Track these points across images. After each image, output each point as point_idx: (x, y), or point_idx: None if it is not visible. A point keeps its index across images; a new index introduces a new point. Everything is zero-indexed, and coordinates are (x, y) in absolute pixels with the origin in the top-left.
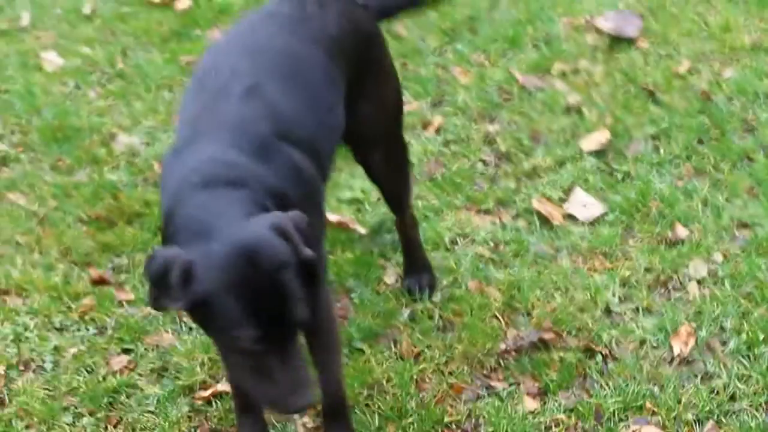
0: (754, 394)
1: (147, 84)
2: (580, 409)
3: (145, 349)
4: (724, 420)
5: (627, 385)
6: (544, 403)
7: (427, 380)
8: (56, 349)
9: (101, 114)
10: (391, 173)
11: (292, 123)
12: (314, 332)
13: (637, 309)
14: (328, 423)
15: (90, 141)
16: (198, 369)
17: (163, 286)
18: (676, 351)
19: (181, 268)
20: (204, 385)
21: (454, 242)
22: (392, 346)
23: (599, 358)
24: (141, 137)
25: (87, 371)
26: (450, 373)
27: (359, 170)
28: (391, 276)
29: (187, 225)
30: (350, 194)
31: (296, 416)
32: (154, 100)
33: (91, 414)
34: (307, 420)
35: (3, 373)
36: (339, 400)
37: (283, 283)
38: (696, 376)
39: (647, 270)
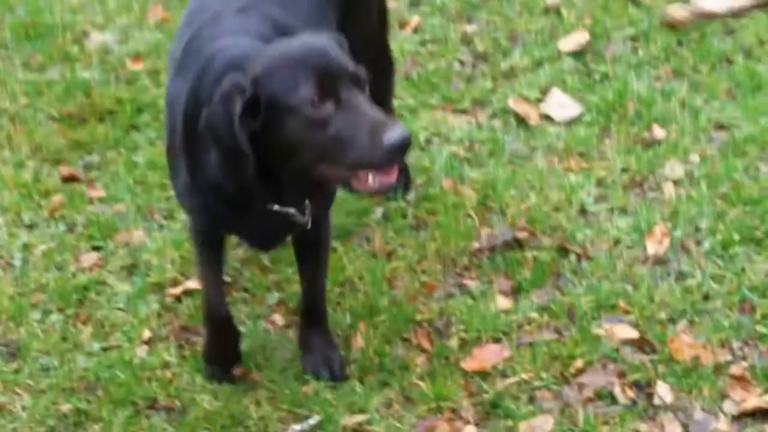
0: (728, 293)
1: None
2: (553, 307)
3: (116, 246)
4: (697, 319)
5: (600, 284)
6: (517, 301)
7: (399, 279)
8: (25, 246)
9: (74, 11)
10: (376, 82)
11: (289, 31)
12: (311, 242)
13: (612, 209)
14: (305, 327)
15: (63, 38)
16: (168, 266)
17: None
18: (651, 251)
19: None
20: (174, 283)
21: (429, 141)
22: (365, 244)
23: (573, 257)
24: (114, 35)
25: (56, 268)
26: (422, 272)
27: None
28: None
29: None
30: None
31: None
32: None
33: (60, 311)
34: (278, 317)
35: None
36: (320, 308)
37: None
38: (670, 275)
39: (623, 170)
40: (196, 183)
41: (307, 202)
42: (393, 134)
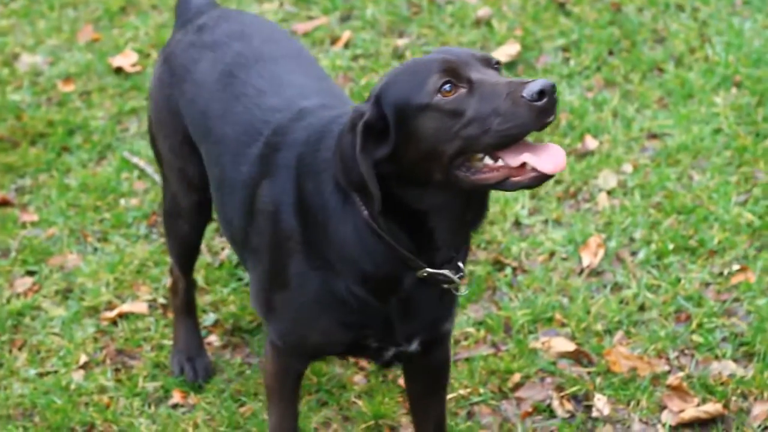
0: (664, 303)
1: (50, 2)
2: (490, 321)
3: (50, 270)
4: (633, 330)
5: (536, 297)
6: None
7: None
8: None
9: (4, 33)
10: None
11: None
12: (433, 363)
13: (547, 221)
14: None
15: None
16: (103, 289)
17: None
18: (586, 262)
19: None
20: (109, 306)
21: None
22: None
23: (509, 270)
24: (45, 56)
25: None
26: None
27: None
28: None
29: None
30: None
31: None
32: (58, 19)
33: None
34: (215, 338)
35: None
36: None
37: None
38: (605, 286)
39: (557, 182)
40: (322, 280)
41: (460, 264)
42: (534, 84)
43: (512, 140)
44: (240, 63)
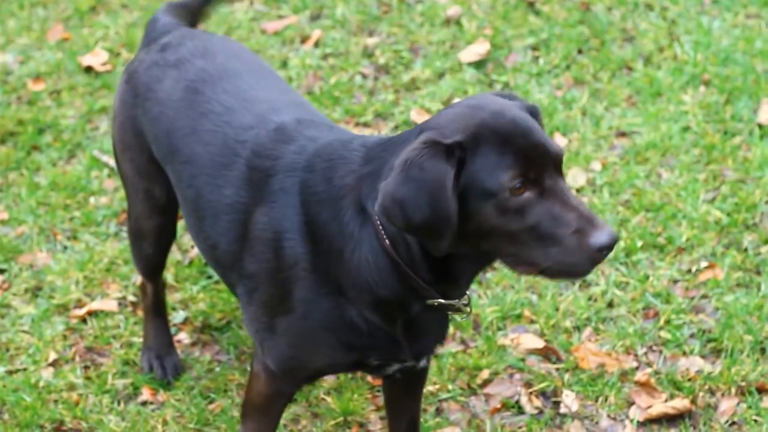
0: (632, 300)
1: (20, 1)
2: (459, 319)
3: (19, 268)
4: (601, 326)
5: (505, 294)
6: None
7: None
8: None
9: None
10: None
11: None
12: (418, 370)
13: None
14: None
15: None
16: (73, 287)
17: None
18: None
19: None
20: (79, 304)
21: None
22: None
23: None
24: (14, 55)
25: None
26: None
27: None
28: None
29: None
30: None
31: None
32: (28, 18)
33: None
34: (185, 336)
35: None
36: None
37: (537, 123)
38: (574, 283)
39: None
40: (332, 305)
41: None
42: (602, 236)
43: (563, 277)
44: (204, 79)
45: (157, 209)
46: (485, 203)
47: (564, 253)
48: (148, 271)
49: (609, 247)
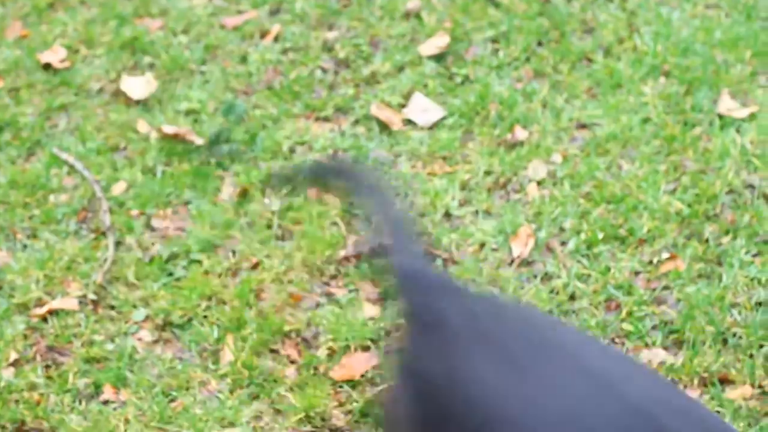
0: (594, 292)
1: None
2: None
3: None
4: (564, 319)
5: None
6: (384, 308)
7: (266, 290)
8: None
9: None
10: None
11: None
12: None
13: (477, 212)
14: None
15: None
16: (33, 286)
17: None
18: (516, 252)
19: None
20: (39, 303)
21: (292, 150)
22: (231, 256)
23: (439, 261)
24: None
25: None
26: (289, 282)
27: (196, 81)
28: (228, 186)
29: None
30: (187, 105)
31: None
32: None
33: None
34: (146, 333)
35: None
36: None
37: None
38: (536, 276)
39: (487, 173)
40: None
41: None
42: None
43: None
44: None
45: None
46: None
47: None
48: None
49: None
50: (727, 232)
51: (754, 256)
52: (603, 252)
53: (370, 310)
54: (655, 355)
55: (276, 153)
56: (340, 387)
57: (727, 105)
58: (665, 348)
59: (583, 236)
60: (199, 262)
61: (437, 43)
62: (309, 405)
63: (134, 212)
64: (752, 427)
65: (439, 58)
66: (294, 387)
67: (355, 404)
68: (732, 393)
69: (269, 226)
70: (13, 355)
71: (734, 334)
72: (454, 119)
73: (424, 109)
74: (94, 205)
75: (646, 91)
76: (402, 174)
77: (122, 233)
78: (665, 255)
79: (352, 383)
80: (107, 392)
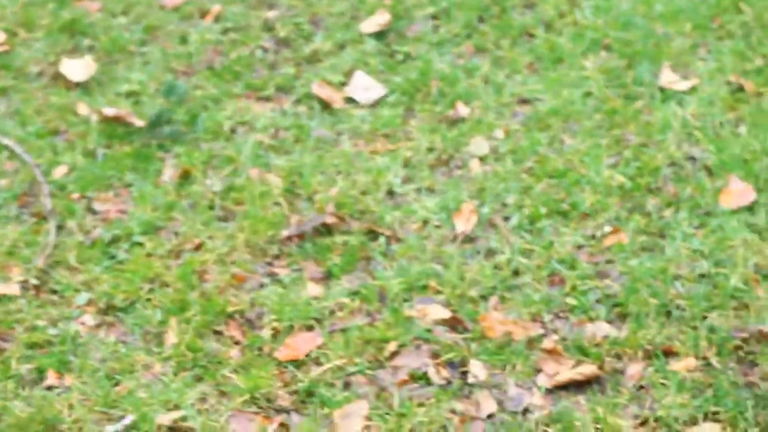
0: (537, 267)
1: None
2: (364, 291)
3: None
4: (507, 295)
5: (411, 265)
6: (328, 287)
7: (209, 271)
8: None
9: None
10: None
11: None
12: None
13: (420, 189)
14: None
15: None
16: None
17: None
18: (459, 229)
19: None
20: None
21: (233, 131)
22: (173, 238)
23: (382, 240)
24: None
25: None
26: (232, 263)
27: (136, 62)
28: (170, 168)
29: None
30: (127, 87)
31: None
32: None
33: None
34: (89, 318)
35: None
36: None
37: None
38: (479, 253)
39: (429, 150)
40: None
41: None
42: None
43: None
44: None
45: None
46: None
47: None
48: None
49: None
50: (669, 205)
51: (697, 228)
52: (546, 227)
53: (314, 290)
54: (599, 329)
55: (217, 134)
56: (285, 367)
57: (668, 78)
58: (609, 321)
59: (526, 211)
60: (142, 244)
61: (378, 20)
62: (254, 386)
63: (75, 196)
64: (696, 398)
65: (379, 35)
66: (238, 368)
67: (300, 384)
68: (676, 365)
69: (211, 207)
70: None
71: (677, 307)
72: (395, 97)
73: (365, 87)
74: (34, 190)
75: (587, 65)
76: (344, 152)
77: (64, 217)
78: (608, 229)
79: (297, 363)
80: (51, 377)
